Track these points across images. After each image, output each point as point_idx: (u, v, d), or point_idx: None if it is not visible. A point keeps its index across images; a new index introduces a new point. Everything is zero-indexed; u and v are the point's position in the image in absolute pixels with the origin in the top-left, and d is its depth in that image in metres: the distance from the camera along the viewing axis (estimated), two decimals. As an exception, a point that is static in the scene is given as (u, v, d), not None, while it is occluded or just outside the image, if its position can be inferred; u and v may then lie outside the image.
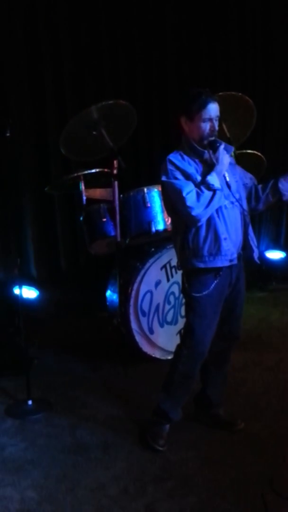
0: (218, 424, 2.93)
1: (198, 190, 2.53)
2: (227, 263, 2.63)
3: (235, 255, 2.65)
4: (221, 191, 2.54)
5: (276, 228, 6.03)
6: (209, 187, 2.52)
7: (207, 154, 2.62)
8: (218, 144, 2.60)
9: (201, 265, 2.62)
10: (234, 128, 3.78)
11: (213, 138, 2.60)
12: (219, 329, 2.77)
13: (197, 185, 2.55)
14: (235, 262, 2.66)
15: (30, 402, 3.23)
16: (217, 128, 2.60)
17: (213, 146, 2.59)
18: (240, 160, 3.41)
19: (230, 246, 2.62)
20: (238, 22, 5.46)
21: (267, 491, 2.37)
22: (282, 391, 3.31)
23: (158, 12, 5.19)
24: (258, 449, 2.71)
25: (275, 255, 5.71)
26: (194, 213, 2.51)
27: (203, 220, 2.56)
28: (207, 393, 2.93)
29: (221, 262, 2.61)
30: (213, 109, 2.56)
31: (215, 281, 2.63)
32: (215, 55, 5.49)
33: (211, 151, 2.61)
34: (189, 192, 2.51)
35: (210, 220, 2.58)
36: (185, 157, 2.63)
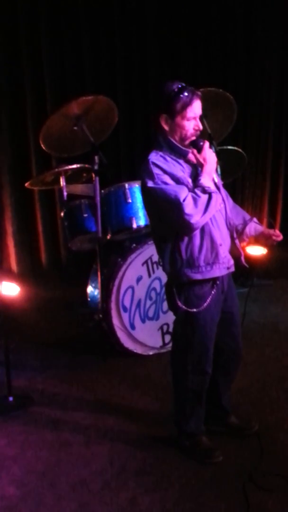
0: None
1: (194, 195, 2.28)
2: (225, 271, 2.45)
3: (232, 262, 2.48)
4: (216, 194, 2.34)
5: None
6: (205, 190, 2.30)
7: (191, 154, 2.43)
8: (201, 143, 2.39)
9: (198, 276, 2.40)
10: (215, 124, 3.79)
11: (194, 138, 2.40)
12: (225, 344, 2.62)
13: (191, 189, 2.32)
14: (233, 269, 2.49)
15: (11, 398, 3.21)
16: (201, 126, 2.41)
17: (197, 145, 2.39)
18: (221, 156, 3.42)
19: (226, 252, 2.45)
20: (219, 18, 5.48)
21: (248, 484, 2.40)
22: (262, 385, 3.34)
23: (139, 7, 5.18)
24: (238, 443, 2.73)
25: (256, 250, 5.73)
26: (193, 220, 2.26)
27: (199, 227, 2.35)
28: None
29: (219, 271, 2.43)
30: (198, 106, 2.35)
31: (212, 292, 2.44)
32: (195, 50, 5.50)
33: (195, 151, 2.41)
34: (186, 198, 2.26)
35: (204, 227, 2.36)
36: (168, 158, 2.38)
